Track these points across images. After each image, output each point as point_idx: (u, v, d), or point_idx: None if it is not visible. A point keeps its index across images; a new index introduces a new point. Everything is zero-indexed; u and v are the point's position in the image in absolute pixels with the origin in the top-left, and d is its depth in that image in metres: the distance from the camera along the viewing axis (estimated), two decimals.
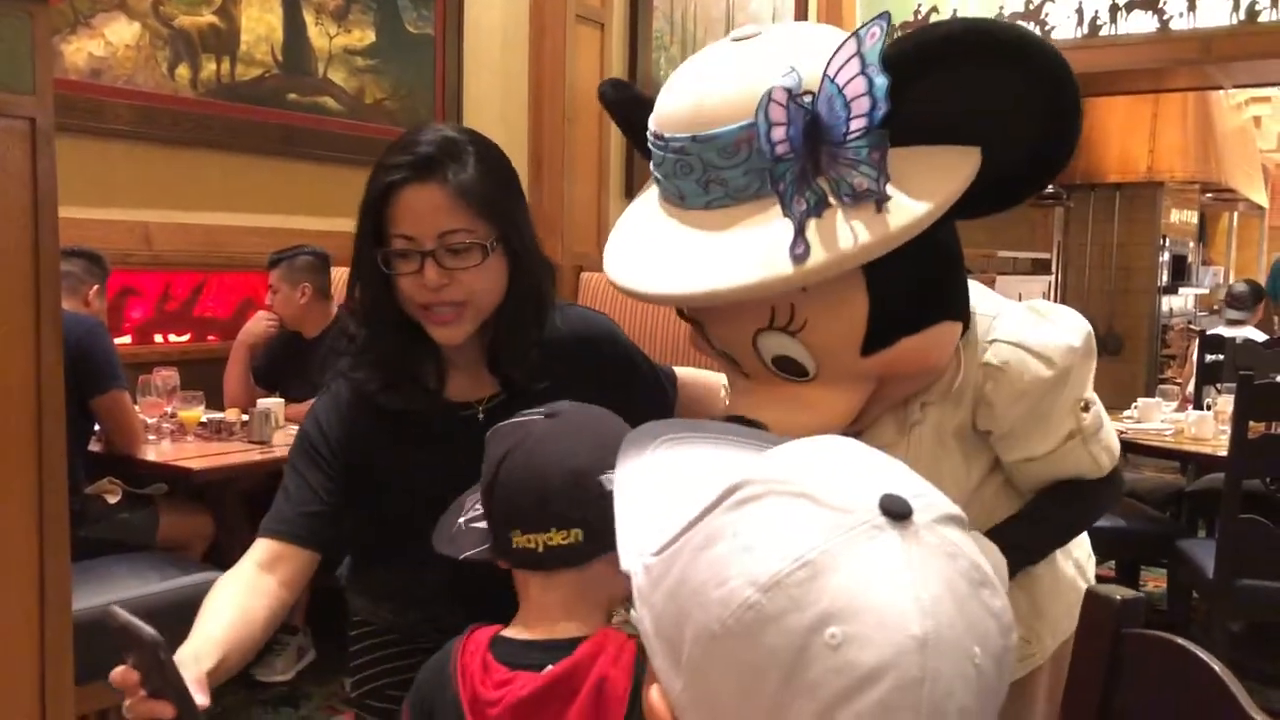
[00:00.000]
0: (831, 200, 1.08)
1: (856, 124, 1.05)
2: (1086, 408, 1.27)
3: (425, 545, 1.43)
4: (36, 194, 2.19)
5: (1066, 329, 1.26)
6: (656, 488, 0.80)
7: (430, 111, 4.43)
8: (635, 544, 0.71)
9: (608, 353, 1.53)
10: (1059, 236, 7.15)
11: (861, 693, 0.56)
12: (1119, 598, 0.79)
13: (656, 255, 1.21)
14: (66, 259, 2.41)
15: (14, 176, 2.15)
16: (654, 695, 0.66)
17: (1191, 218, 8.57)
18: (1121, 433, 3.45)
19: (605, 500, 1.05)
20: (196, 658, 1.20)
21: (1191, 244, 8.55)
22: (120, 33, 3.44)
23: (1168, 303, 7.73)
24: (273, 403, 3.11)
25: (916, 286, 1.19)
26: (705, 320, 1.28)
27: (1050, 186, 7.11)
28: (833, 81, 1.05)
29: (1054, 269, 7.04)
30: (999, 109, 1.09)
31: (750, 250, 1.12)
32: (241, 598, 1.29)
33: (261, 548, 1.37)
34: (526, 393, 1.39)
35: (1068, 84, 1.08)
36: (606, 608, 1.17)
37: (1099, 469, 1.31)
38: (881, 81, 1.03)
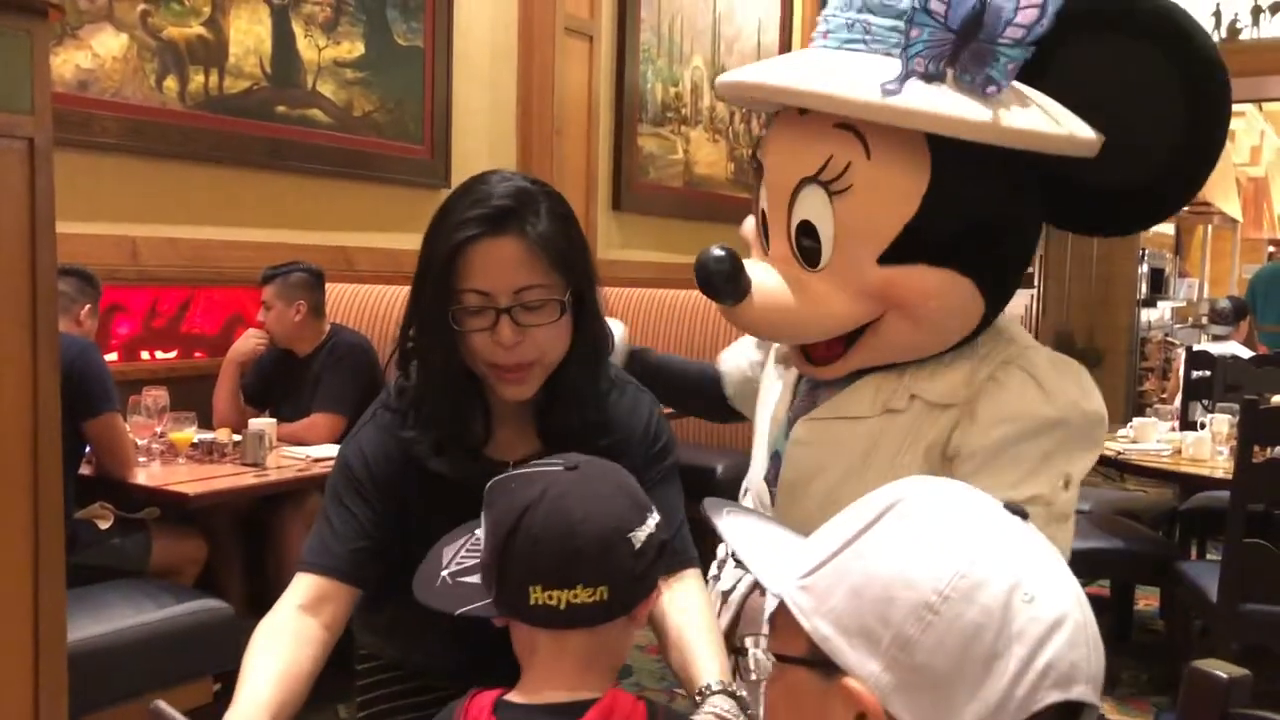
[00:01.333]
0: (948, 81, 1.14)
1: (1014, 32, 1.11)
2: (1066, 485, 1.23)
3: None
4: (34, 215, 2.13)
5: (1085, 392, 1.24)
6: (763, 533, 0.92)
7: (419, 124, 4.39)
8: (776, 573, 0.80)
9: (653, 433, 1.45)
10: (1041, 249, 7.19)
11: (1053, 635, 0.70)
12: (1226, 676, 0.77)
13: (778, 64, 1.32)
14: (59, 278, 2.34)
15: (12, 198, 2.10)
16: (851, 684, 0.71)
17: (1168, 230, 8.65)
18: (1118, 453, 3.48)
19: (634, 559, 1.03)
20: None
21: (1169, 256, 8.64)
22: (108, 44, 3.38)
23: (1146, 315, 7.79)
24: (265, 423, 3.06)
25: (969, 227, 1.20)
26: (768, 159, 1.31)
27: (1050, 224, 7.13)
28: None
29: (1036, 281, 7.08)
30: (1144, 107, 1.15)
31: (847, 73, 1.17)
32: (286, 650, 1.23)
33: (305, 586, 1.32)
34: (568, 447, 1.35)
35: (1218, 122, 1.14)
36: (615, 669, 1.12)
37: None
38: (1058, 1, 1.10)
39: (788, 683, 0.78)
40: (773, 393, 1.48)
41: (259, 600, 3.22)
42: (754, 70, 1.31)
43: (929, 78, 1.13)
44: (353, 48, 4.13)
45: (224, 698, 2.79)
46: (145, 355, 3.53)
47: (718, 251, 1.23)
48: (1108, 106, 1.17)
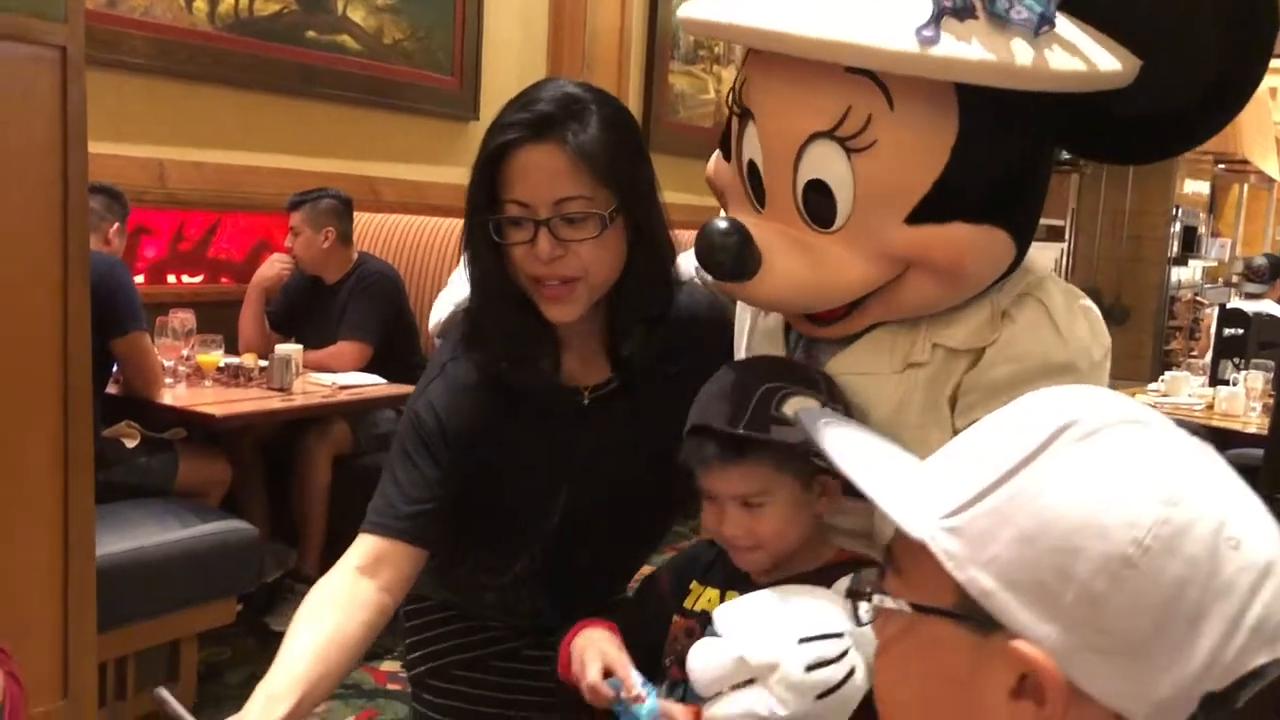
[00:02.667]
0: (979, 14, 0.99)
1: None
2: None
3: (515, 530, 1.39)
4: (66, 126, 2.11)
5: (1096, 336, 1.15)
6: (878, 453, 0.80)
7: (448, 55, 4.33)
8: (911, 510, 0.69)
9: (725, 343, 1.39)
10: (1073, 203, 7.09)
11: (1263, 584, 0.61)
12: None
13: None
14: (88, 195, 2.32)
15: (43, 107, 2.07)
16: (1021, 648, 0.62)
17: (1203, 189, 8.51)
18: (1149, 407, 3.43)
19: None
20: (269, 699, 1.10)
21: (1202, 215, 8.52)
22: None
23: (1176, 274, 7.69)
24: (292, 349, 3.04)
25: (1000, 174, 1.07)
26: (761, 103, 1.11)
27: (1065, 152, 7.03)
28: None
29: (1067, 236, 6.99)
30: (1181, 29, 1.03)
31: (869, 12, 0.98)
32: (331, 618, 1.20)
33: (366, 546, 1.27)
34: (642, 378, 1.31)
35: (1263, 40, 1.02)
36: None
37: None
38: None
39: (923, 636, 0.69)
40: (753, 341, 1.33)
41: (281, 526, 3.24)
42: (737, 7, 1.06)
43: (960, 13, 0.98)
44: None
45: (245, 618, 2.83)
46: (171, 279, 3.52)
47: (722, 224, 1.08)
48: (1142, 31, 1.04)
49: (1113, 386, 0.94)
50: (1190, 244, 7.82)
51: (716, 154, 1.25)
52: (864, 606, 0.72)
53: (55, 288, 2.12)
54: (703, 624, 1.19)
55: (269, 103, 3.72)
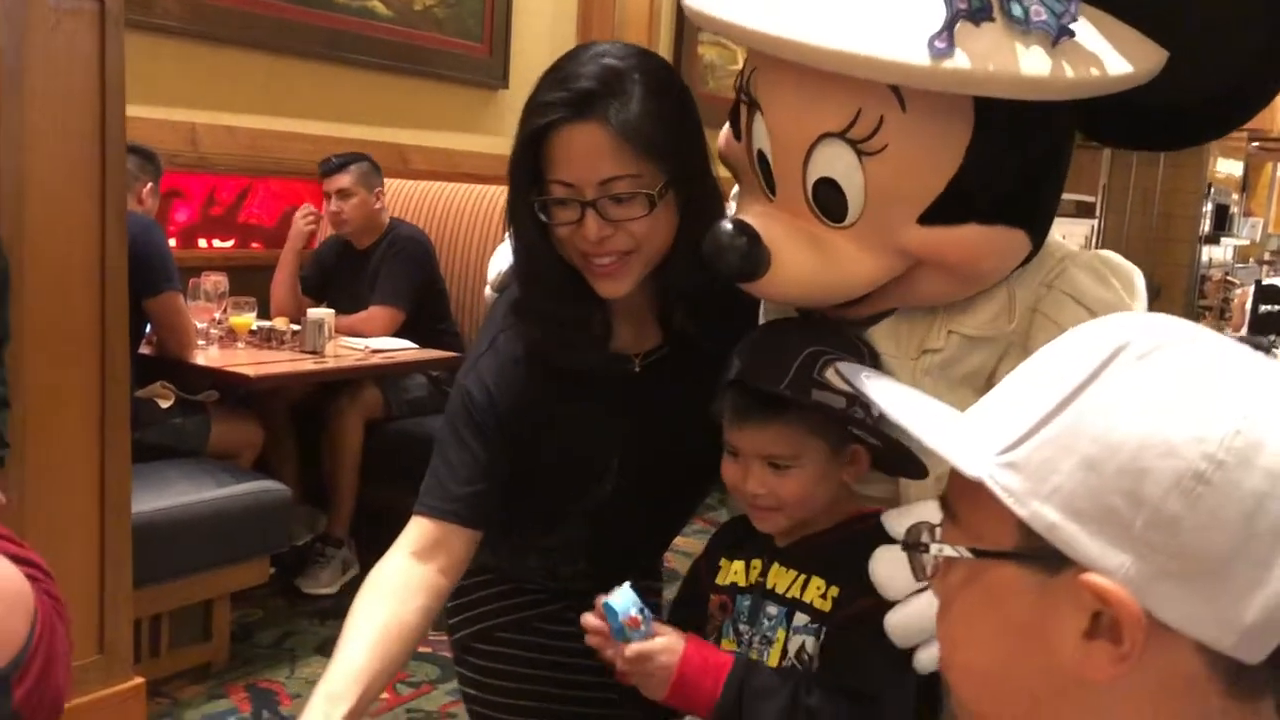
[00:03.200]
0: (995, 16, 0.94)
1: None
2: None
3: (564, 497, 1.37)
4: (104, 82, 2.10)
5: (1133, 296, 1.13)
6: (923, 401, 0.77)
7: (479, 21, 4.29)
8: (964, 448, 0.65)
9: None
10: (1104, 180, 7.01)
11: None
12: None
13: None
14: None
15: (82, 62, 2.06)
16: (1093, 580, 0.59)
17: (1236, 168, 8.39)
18: None
19: None
20: (330, 698, 1.10)
21: (1235, 195, 8.41)
22: None
23: (1207, 253, 7.61)
24: (325, 312, 3.04)
25: (1016, 175, 1.05)
26: (769, 98, 1.07)
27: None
28: None
29: (1097, 213, 6.91)
30: (1215, 16, 0.97)
31: (881, 20, 0.94)
32: (391, 604, 1.20)
33: (420, 530, 1.26)
34: (692, 345, 1.28)
35: None
36: None
37: None
38: None
39: (987, 584, 0.65)
40: (769, 314, 1.31)
41: (311, 490, 3.24)
42: (735, 6, 1.02)
43: (975, 16, 0.92)
44: None
45: (276, 580, 2.83)
46: (203, 243, 3.51)
47: (729, 226, 1.07)
48: (1171, 23, 0.99)
49: None
50: (1222, 223, 7.72)
51: (727, 129, 1.21)
52: (924, 559, 0.69)
53: (93, 242, 2.11)
54: (733, 596, 1.20)
55: (300, 68, 3.70)
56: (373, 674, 1.14)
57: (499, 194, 3.60)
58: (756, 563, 1.19)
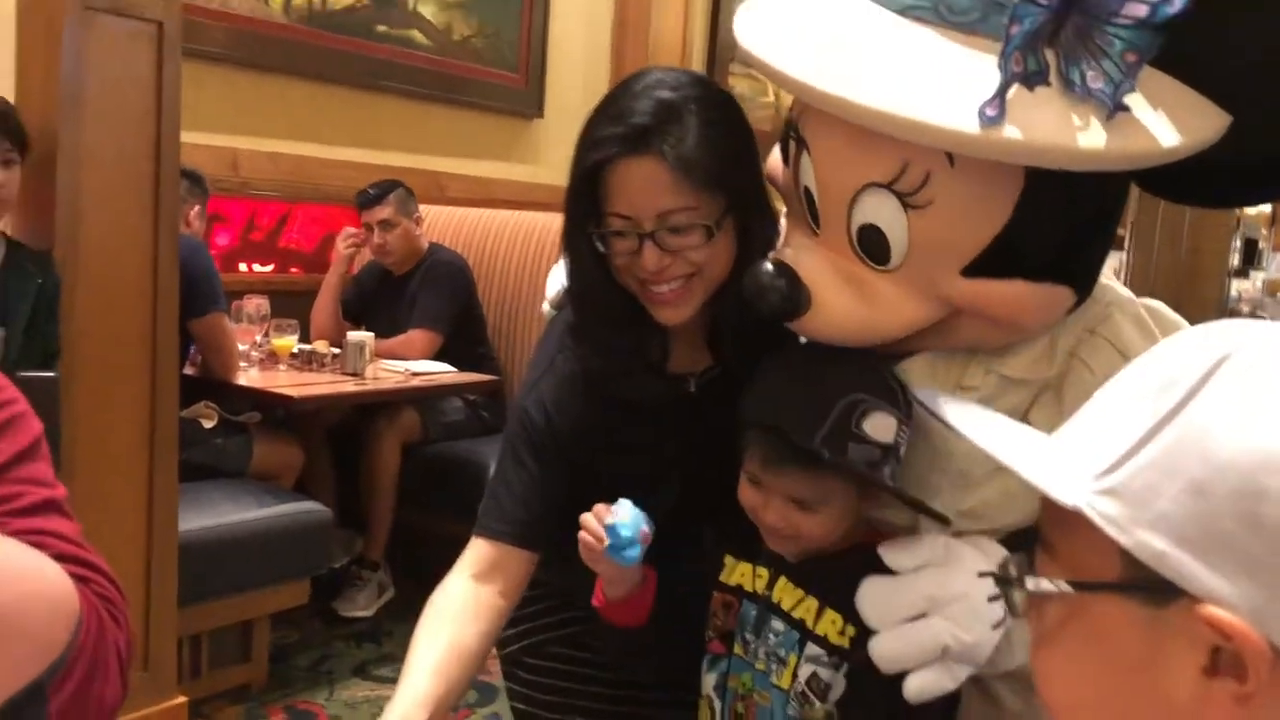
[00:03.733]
0: (1051, 80, 0.90)
1: (1135, 8, 0.86)
2: None
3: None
4: (160, 101, 2.13)
5: None
6: (1006, 425, 0.74)
7: (515, 52, 4.34)
8: (1057, 475, 0.61)
9: None
10: (1132, 214, 6.99)
11: None
12: None
13: (813, 37, 0.99)
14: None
15: (139, 81, 2.09)
16: (1211, 612, 0.54)
17: (1265, 205, 8.37)
18: None
19: None
20: None
21: (1263, 229, 8.38)
22: None
23: (1236, 287, 7.56)
24: (365, 335, 3.05)
25: (1065, 233, 1.01)
26: (817, 142, 1.06)
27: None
28: None
29: (1126, 247, 6.89)
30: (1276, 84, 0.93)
31: (932, 82, 0.91)
32: (452, 629, 1.21)
33: (480, 552, 1.27)
34: (745, 363, 1.26)
35: None
36: None
37: None
38: None
39: (1089, 620, 0.61)
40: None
41: (348, 513, 3.24)
42: (785, 54, 0.99)
43: (1030, 80, 0.89)
44: None
45: (313, 603, 2.82)
46: (243, 267, 3.54)
47: (769, 266, 1.06)
48: (1237, 89, 0.94)
49: None
50: (1251, 257, 7.68)
51: (776, 152, 1.20)
52: (1017, 595, 0.64)
53: (146, 262, 2.13)
54: (739, 597, 1.19)
55: (340, 95, 3.74)
56: (437, 700, 1.15)
57: (533, 220, 3.62)
58: (764, 571, 1.18)
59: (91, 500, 2.07)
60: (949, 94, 0.90)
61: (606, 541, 1.13)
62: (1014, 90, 0.89)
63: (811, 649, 1.10)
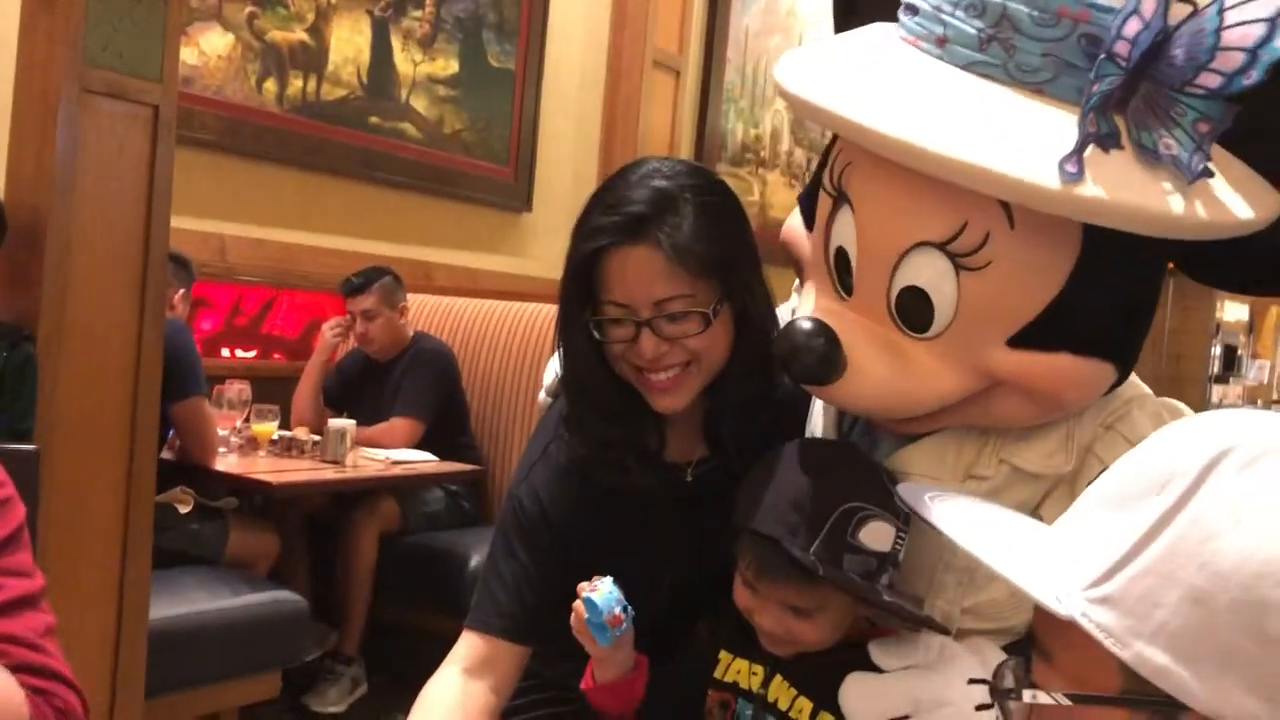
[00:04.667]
0: (1125, 144, 0.87)
1: (1209, 78, 0.83)
2: None
3: None
4: (153, 182, 2.13)
5: None
6: (997, 523, 0.72)
7: (505, 146, 4.40)
8: (1048, 582, 0.59)
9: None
10: None
11: None
12: None
13: (872, 84, 0.95)
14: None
15: (133, 163, 2.10)
16: None
17: (1243, 312, 8.50)
18: None
19: None
20: None
21: (1242, 337, 8.50)
22: (214, 43, 3.41)
23: (1218, 393, 7.65)
24: (346, 423, 3.03)
25: (1115, 305, 0.99)
26: (865, 195, 1.01)
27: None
28: (1221, 12, 0.83)
29: None
30: None
31: (1004, 135, 0.88)
32: None
33: (472, 646, 1.25)
34: (740, 454, 1.25)
35: None
36: None
37: None
38: (1275, 49, 0.81)
39: None
40: (813, 411, 1.27)
41: (323, 602, 3.17)
42: (844, 98, 0.95)
43: (1104, 141, 0.86)
44: (447, 65, 4.15)
45: (284, 697, 2.74)
46: (226, 352, 3.52)
47: (807, 325, 1.02)
48: None
49: None
50: (1231, 363, 7.79)
51: (795, 215, 1.18)
52: (1013, 706, 0.62)
53: (130, 344, 2.11)
54: (735, 695, 1.16)
55: (330, 184, 3.77)
56: None
57: (520, 310, 3.63)
58: (759, 669, 1.15)
59: (62, 585, 2.01)
60: (1023, 148, 0.87)
61: (586, 614, 1.10)
62: (1090, 150, 0.86)
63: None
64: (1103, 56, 0.85)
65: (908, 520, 1.05)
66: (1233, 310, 8.14)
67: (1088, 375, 1.00)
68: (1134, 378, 1.11)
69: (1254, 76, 0.83)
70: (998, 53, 0.91)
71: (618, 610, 1.11)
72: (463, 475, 3.19)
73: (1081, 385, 1.01)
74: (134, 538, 2.13)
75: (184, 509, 2.68)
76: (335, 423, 3.01)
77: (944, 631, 1.02)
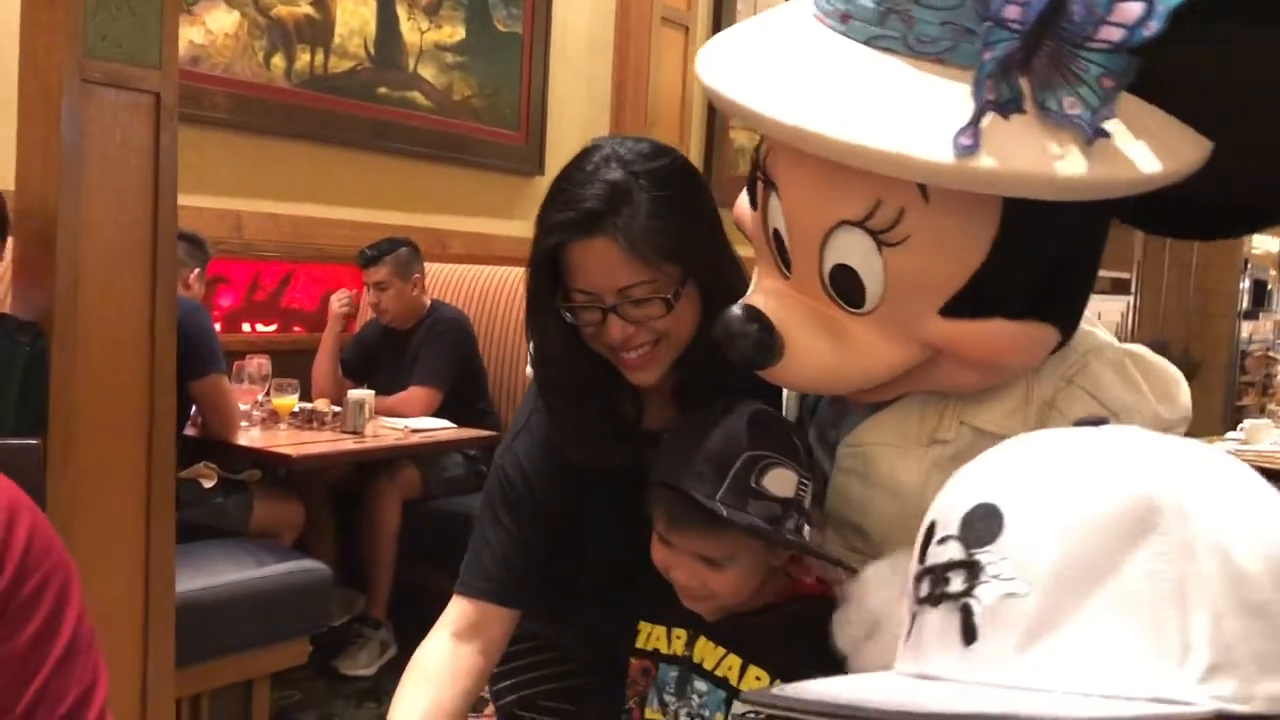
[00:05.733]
0: (1026, 108, 0.86)
1: (1110, 31, 0.82)
2: None
3: (604, 578, 1.37)
4: (158, 168, 2.17)
5: (1165, 395, 1.05)
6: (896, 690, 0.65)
7: (515, 111, 4.41)
8: (1166, 688, 0.54)
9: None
10: (1138, 256, 7.01)
11: None
12: None
13: (778, 70, 0.95)
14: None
15: (137, 151, 2.14)
16: None
17: (1273, 244, 8.37)
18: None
19: None
20: None
21: (1272, 270, 8.38)
22: (220, 21, 3.45)
23: (1247, 328, 7.55)
24: (365, 393, 3.09)
25: (1045, 269, 0.98)
26: (785, 181, 1.02)
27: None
28: None
29: (1133, 289, 6.90)
30: (1262, 111, 0.90)
31: (903, 113, 0.87)
32: (433, 689, 1.22)
33: (460, 611, 1.29)
34: None
35: None
36: None
37: None
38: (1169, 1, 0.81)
39: None
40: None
41: (349, 570, 3.25)
42: (749, 89, 0.96)
43: (1005, 108, 0.86)
44: (454, 32, 4.17)
45: (314, 662, 2.83)
46: (246, 327, 3.59)
47: (739, 312, 1.04)
48: (1217, 111, 0.91)
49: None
50: (1260, 298, 7.69)
51: (744, 195, 1.18)
52: None
53: (143, 326, 2.17)
54: (655, 661, 1.20)
55: (342, 157, 3.81)
56: None
57: None
58: (680, 632, 1.18)
59: (88, 563, 2.09)
60: (922, 125, 0.87)
61: None
62: (989, 119, 0.85)
63: (739, 707, 1.11)
64: (989, 23, 0.84)
65: (810, 468, 1.10)
66: (1261, 241, 8.01)
67: (1025, 339, 1.00)
68: (1094, 328, 1.10)
69: (1154, 27, 0.81)
70: (897, 25, 0.90)
71: None
72: (481, 440, 3.25)
73: (1019, 349, 1.01)
74: (156, 515, 2.19)
75: (208, 483, 2.75)
76: (354, 394, 3.07)
77: (849, 569, 1.03)
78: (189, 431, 2.84)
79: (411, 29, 4.01)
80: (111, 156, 2.09)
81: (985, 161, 0.85)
